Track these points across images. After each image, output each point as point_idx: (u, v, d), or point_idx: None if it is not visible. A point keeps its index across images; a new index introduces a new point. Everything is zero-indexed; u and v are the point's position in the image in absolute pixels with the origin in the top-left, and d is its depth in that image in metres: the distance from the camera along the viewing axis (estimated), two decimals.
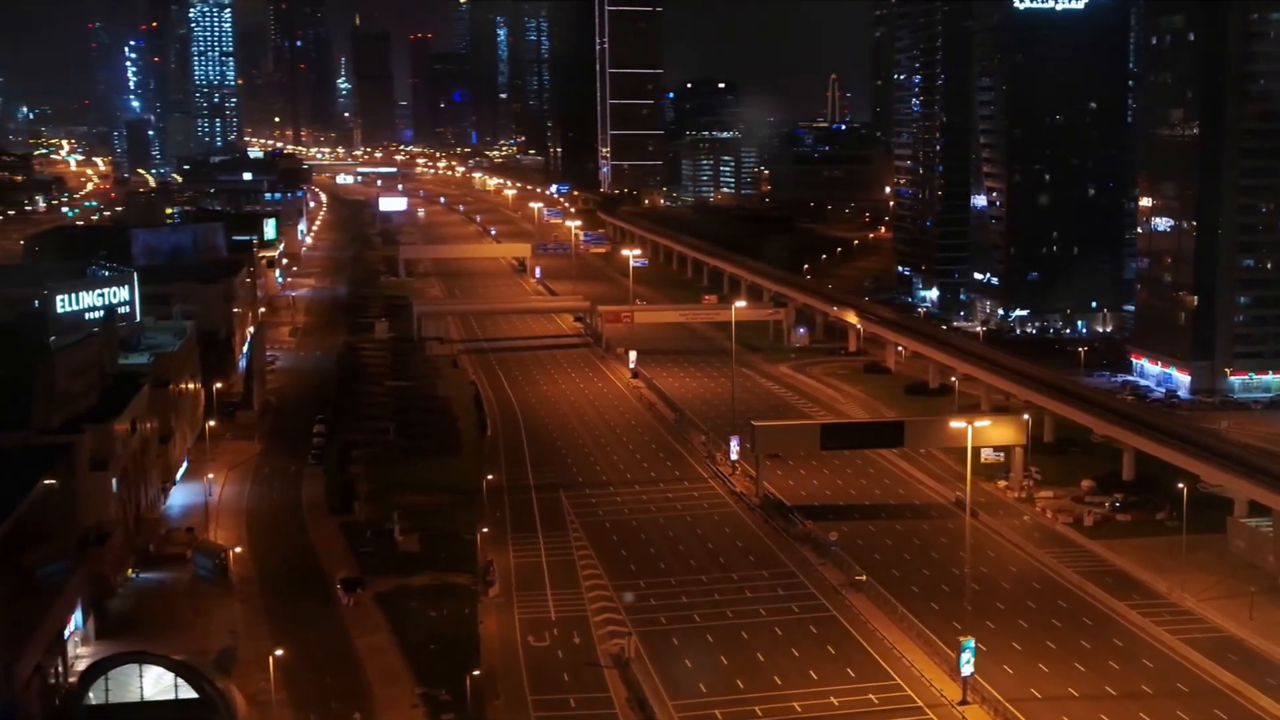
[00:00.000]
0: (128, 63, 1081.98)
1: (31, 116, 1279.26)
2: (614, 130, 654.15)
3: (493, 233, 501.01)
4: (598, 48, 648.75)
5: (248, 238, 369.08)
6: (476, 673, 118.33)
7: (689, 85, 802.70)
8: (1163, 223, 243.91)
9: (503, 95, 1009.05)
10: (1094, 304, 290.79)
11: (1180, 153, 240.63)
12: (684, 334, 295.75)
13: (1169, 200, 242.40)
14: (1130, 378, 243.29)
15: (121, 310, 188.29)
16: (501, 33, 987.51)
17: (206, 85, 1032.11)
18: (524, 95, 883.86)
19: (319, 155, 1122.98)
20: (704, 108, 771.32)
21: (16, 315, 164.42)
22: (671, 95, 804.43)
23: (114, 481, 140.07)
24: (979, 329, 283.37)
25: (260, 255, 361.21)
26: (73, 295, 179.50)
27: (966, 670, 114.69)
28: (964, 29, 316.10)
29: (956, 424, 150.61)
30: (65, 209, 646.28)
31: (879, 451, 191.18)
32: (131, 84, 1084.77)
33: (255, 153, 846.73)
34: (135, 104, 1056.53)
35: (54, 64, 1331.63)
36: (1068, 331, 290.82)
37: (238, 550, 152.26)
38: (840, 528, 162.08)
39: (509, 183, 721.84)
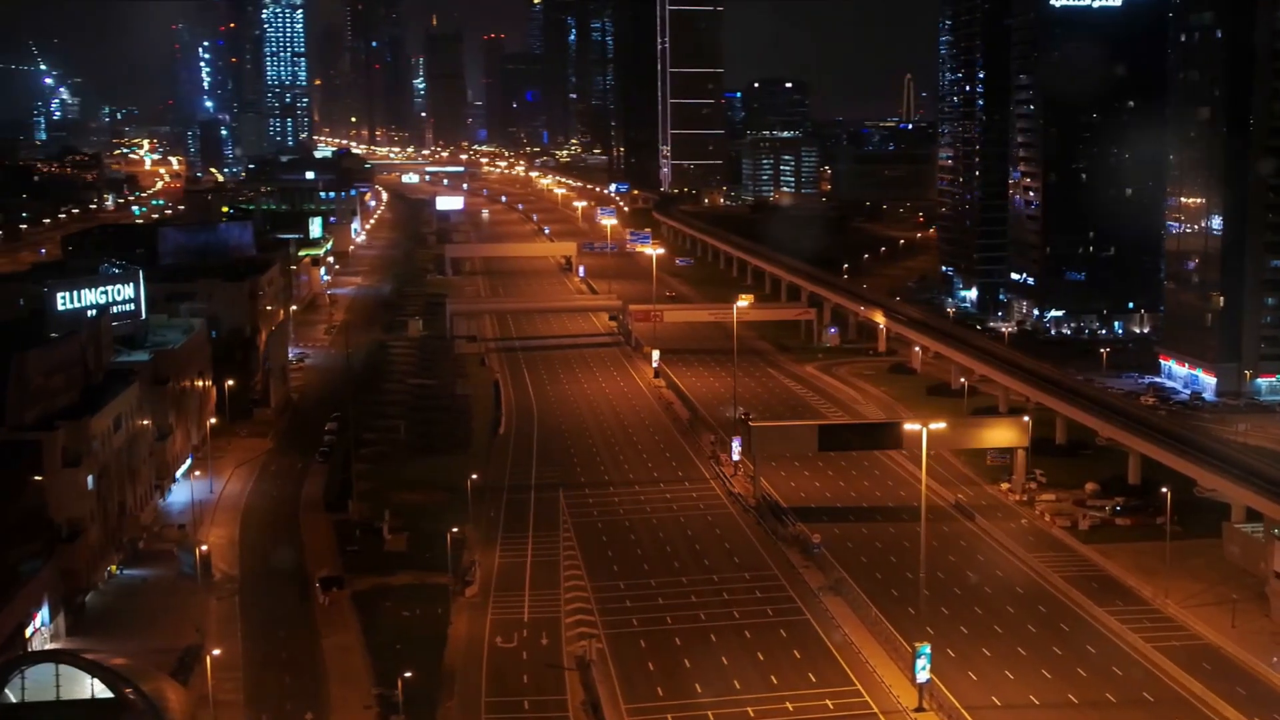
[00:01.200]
0: (202, 63, 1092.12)
1: (120, 116, 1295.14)
2: (674, 129, 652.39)
3: (546, 231, 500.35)
4: (659, 47, 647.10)
5: (293, 236, 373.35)
6: (409, 675, 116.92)
7: (756, 85, 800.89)
8: (1189, 223, 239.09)
9: (572, 95, 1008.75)
10: (1130, 305, 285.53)
11: (1207, 151, 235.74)
12: (717, 333, 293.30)
13: (1195, 200, 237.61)
14: (1157, 380, 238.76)
15: (126, 308, 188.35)
16: (574, 33, 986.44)
17: (279, 85, 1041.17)
18: (589, 95, 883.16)
19: (392, 154, 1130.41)
20: (773, 106, 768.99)
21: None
22: (739, 94, 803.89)
23: (89, 478, 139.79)
24: (1007, 330, 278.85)
25: (304, 253, 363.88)
26: (73, 293, 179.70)
27: (922, 677, 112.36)
28: (1003, 26, 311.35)
29: (911, 426, 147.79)
30: (135, 207, 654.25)
31: (887, 453, 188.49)
32: (206, 84, 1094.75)
33: (323, 152, 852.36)
34: (209, 104, 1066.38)
35: (141, 65, 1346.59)
36: (1103, 332, 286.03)
37: (204, 549, 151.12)
38: (832, 530, 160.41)
39: (558, 180, 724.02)
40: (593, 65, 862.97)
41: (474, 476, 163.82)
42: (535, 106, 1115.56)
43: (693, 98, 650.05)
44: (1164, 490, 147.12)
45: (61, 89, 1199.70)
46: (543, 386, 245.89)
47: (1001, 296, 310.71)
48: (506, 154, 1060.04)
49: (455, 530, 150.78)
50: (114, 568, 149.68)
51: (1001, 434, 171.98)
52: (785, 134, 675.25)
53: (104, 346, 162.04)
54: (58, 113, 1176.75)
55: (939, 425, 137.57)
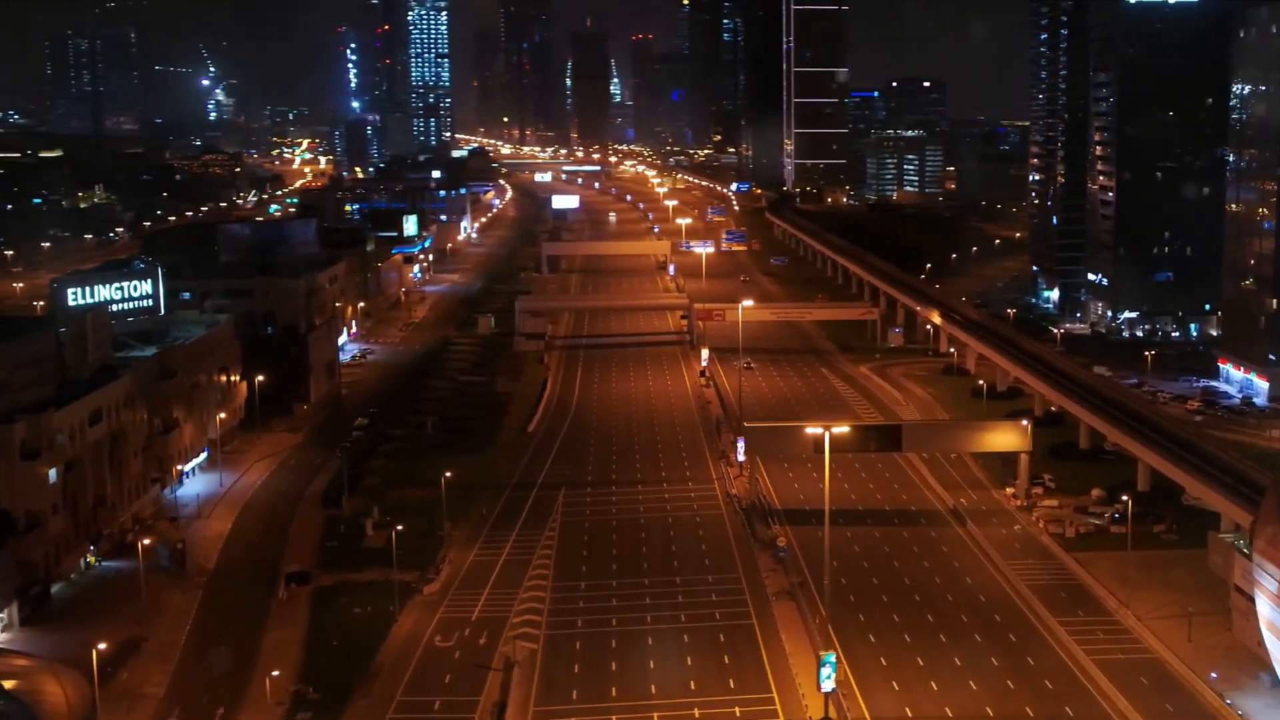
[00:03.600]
0: (349, 64, 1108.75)
1: (291, 116, 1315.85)
2: (798, 129, 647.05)
3: (656, 230, 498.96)
4: (784, 46, 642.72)
5: (390, 234, 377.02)
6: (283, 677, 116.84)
7: (895, 84, 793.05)
8: (1247, 223, 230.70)
9: (712, 95, 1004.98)
10: (1207, 307, 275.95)
11: (1264, 150, 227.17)
12: (786, 332, 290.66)
13: (1252, 200, 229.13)
14: (1213, 383, 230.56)
15: (144, 304, 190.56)
16: (726, 35, 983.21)
17: (422, 86, 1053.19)
18: (722, 95, 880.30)
19: (540, 154, 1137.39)
20: (910, 106, 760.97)
21: None
22: (876, 94, 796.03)
23: (51, 471, 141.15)
24: (1058, 332, 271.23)
25: (396, 251, 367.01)
26: (85, 289, 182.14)
27: (827, 686, 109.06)
28: (1084, 24, 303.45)
29: (812, 430, 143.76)
30: (272, 206, 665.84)
31: (904, 455, 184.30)
32: (353, 85, 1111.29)
33: (460, 152, 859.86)
34: (355, 104, 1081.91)
35: (306, 67, 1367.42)
36: (1176, 335, 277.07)
37: (179, 543, 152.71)
38: (815, 533, 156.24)
39: (684, 180, 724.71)
40: (725, 65, 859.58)
41: (447, 474, 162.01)
42: (681, 106, 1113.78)
43: (816, 97, 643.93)
44: (1125, 497, 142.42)
45: (218, 90, 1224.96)
46: (590, 384, 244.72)
47: (1081, 297, 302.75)
48: (646, 154, 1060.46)
49: (394, 528, 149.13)
50: (92, 559, 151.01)
51: (1003, 438, 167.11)
52: (909, 133, 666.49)
53: (96, 342, 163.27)
54: (213, 113, 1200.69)
55: (842, 429, 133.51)
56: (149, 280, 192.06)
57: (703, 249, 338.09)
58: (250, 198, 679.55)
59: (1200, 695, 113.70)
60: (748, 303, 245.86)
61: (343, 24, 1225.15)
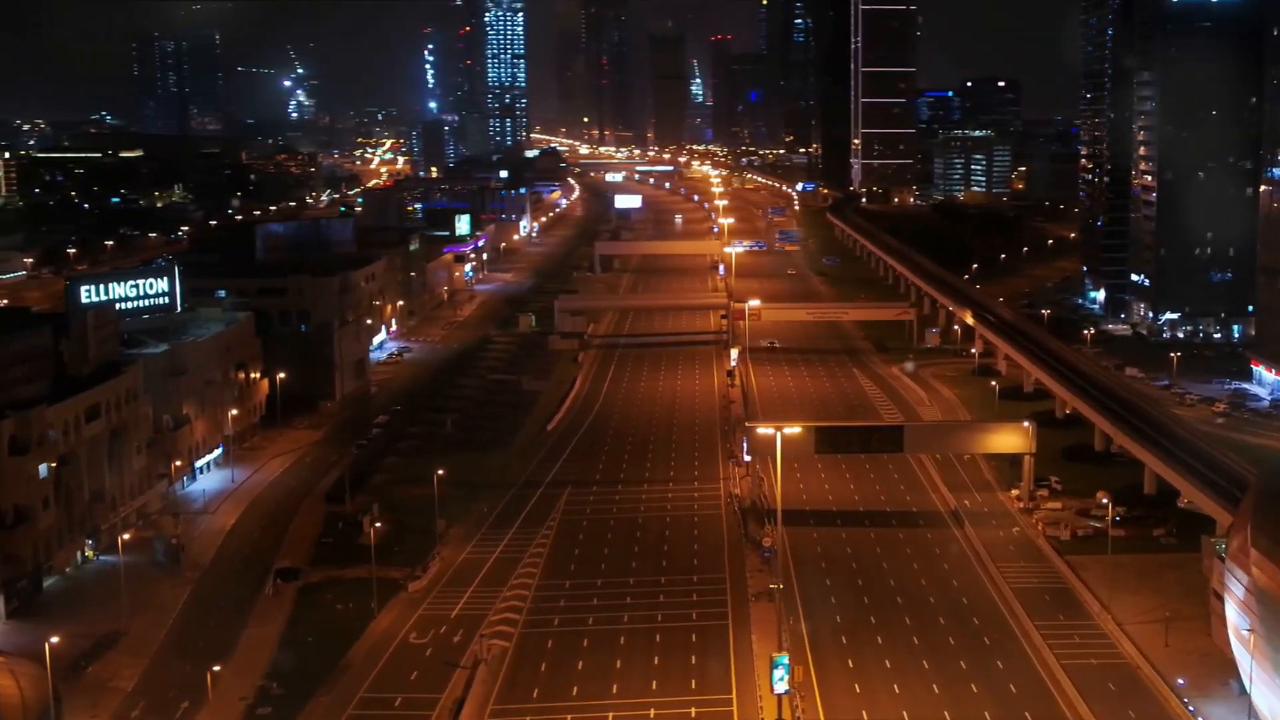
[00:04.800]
0: (427, 65, 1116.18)
1: (380, 117, 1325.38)
2: (865, 129, 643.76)
3: (715, 230, 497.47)
4: (851, 46, 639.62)
5: (443, 233, 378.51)
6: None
7: (970, 84, 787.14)
8: None
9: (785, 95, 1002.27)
10: (1251, 309, 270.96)
11: None
12: (826, 332, 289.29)
13: None
14: (1245, 385, 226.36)
15: (160, 302, 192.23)
16: (798, 35, 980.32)
17: (498, 86, 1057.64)
18: (795, 95, 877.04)
19: (617, 154, 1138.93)
20: (985, 105, 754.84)
21: None
22: (950, 93, 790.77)
23: (41, 466, 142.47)
24: (1088, 333, 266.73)
25: (447, 250, 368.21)
26: (99, 286, 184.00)
27: (780, 687, 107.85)
28: (1128, 22, 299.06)
29: (763, 430, 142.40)
30: (341, 206, 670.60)
31: (915, 456, 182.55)
32: (431, 85, 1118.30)
33: (533, 152, 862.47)
34: (432, 105, 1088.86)
35: (392, 67, 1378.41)
36: (1218, 336, 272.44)
37: (174, 539, 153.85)
38: (810, 533, 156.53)
39: (752, 180, 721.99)
40: (797, 65, 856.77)
41: (440, 473, 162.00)
42: (758, 107, 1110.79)
43: (884, 97, 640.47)
44: (1104, 500, 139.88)
45: (299, 91, 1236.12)
46: (619, 384, 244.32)
47: (1124, 298, 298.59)
48: (720, 154, 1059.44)
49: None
50: (90, 553, 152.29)
51: (1006, 440, 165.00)
52: (977, 133, 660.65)
53: (100, 339, 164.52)
54: (294, 114, 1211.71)
55: (794, 429, 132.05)
56: (165, 278, 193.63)
57: (734, 250, 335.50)
58: (323, 197, 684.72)
59: (1165, 701, 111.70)
60: (754, 302, 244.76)
61: (428, 25, 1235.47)
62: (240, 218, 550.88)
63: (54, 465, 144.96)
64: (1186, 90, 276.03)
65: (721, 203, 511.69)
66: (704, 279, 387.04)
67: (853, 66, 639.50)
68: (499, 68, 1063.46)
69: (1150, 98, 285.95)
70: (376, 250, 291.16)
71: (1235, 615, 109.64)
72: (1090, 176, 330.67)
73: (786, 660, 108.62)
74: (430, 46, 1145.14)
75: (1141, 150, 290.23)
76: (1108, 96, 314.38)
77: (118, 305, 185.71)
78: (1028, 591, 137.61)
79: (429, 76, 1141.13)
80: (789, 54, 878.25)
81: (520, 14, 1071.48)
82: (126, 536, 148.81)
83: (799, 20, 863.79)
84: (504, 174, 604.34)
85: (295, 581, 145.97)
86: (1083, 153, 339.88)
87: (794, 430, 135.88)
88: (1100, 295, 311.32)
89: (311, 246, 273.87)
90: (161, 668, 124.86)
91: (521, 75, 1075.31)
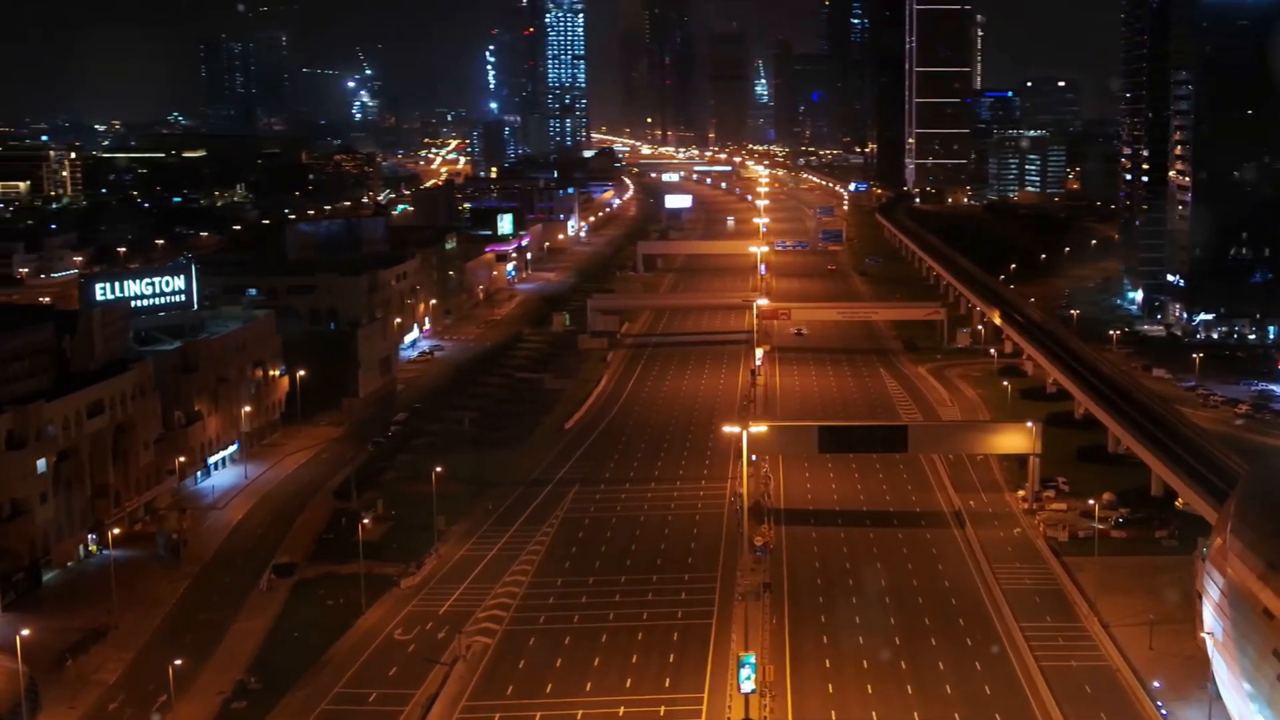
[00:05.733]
0: (488, 66, 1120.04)
1: (450, 118, 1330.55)
2: (919, 129, 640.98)
3: (763, 229, 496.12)
4: (906, 47, 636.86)
5: (484, 232, 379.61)
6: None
7: (1029, 83, 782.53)
8: None
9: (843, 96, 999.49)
10: None
11: None
12: (859, 331, 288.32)
13: None
14: (1272, 386, 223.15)
15: (176, 300, 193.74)
16: (855, 35, 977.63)
17: (558, 87, 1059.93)
18: (853, 95, 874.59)
19: (678, 154, 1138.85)
20: (1045, 105, 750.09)
21: None
22: (1010, 93, 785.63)
23: (39, 461, 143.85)
24: (1114, 334, 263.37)
25: (488, 249, 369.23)
26: (112, 284, 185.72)
27: (746, 687, 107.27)
28: (1166, 19, 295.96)
29: (730, 428, 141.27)
30: (399, 206, 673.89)
31: (927, 456, 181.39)
32: (492, 86, 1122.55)
33: (590, 152, 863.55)
34: (493, 105, 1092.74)
35: (457, 68, 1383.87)
36: (1253, 337, 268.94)
37: (175, 534, 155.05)
38: (809, 532, 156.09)
39: (807, 180, 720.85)
40: (854, 66, 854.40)
41: (438, 469, 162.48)
42: (820, 107, 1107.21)
43: (938, 97, 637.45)
44: (1091, 502, 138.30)
45: (363, 92, 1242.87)
46: (644, 383, 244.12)
47: (1160, 298, 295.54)
48: (779, 154, 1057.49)
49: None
50: (94, 547, 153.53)
51: (1010, 440, 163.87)
52: (1032, 133, 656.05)
53: (107, 336, 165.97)
54: (359, 114, 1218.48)
55: (760, 428, 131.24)
56: (181, 276, 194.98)
57: (762, 250, 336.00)
58: (380, 197, 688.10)
59: (1139, 704, 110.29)
60: (762, 301, 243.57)
61: (496, 27, 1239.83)
62: (293, 216, 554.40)
63: (53, 460, 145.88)
64: (1222, 89, 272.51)
65: (762, 203, 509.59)
66: (746, 278, 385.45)
67: (907, 66, 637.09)
68: (559, 68, 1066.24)
69: (1186, 97, 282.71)
70: (411, 249, 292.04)
71: (1210, 617, 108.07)
72: (1129, 176, 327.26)
73: (753, 660, 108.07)
74: (491, 48, 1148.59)
75: (1177, 149, 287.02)
76: (1146, 95, 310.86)
77: (133, 303, 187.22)
78: (1019, 593, 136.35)
79: (490, 77, 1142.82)
80: (847, 54, 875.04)
81: (580, 15, 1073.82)
82: (116, 531, 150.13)
83: (856, 20, 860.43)
84: (557, 174, 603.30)
85: (291, 577, 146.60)
86: (1123, 152, 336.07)
87: (760, 429, 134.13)
88: (1138, 296, 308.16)
89: (343, 245, 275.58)
90: (147, 661, 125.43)
91: (581, 76, 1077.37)
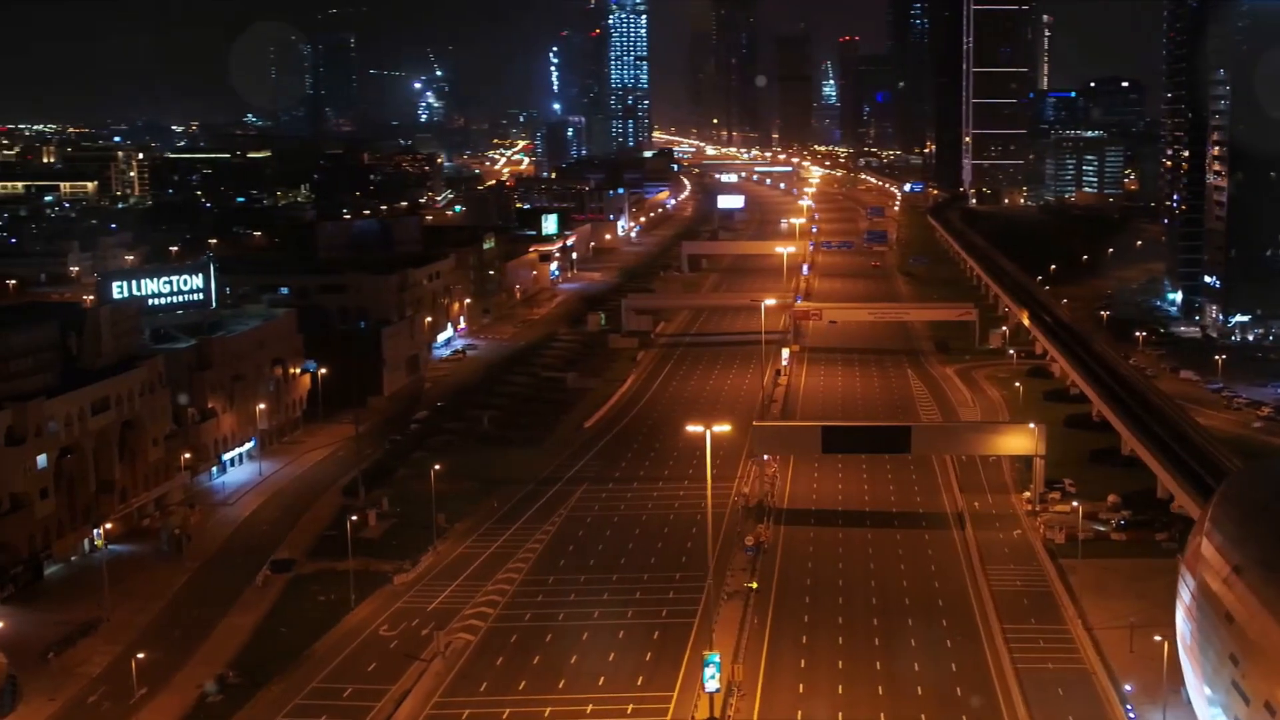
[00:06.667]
0: (551, 67, 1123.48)
1: (521, 119, 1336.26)
2: (976, 129, 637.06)
3: (814, 230, 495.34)
4: (964, 47, 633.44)
5: (528, 232, 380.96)
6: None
7: (1093, 84, 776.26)
8: None
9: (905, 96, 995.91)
10: None
11: None
12: (893, 332, 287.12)
13: None
14: None
15: (194, 298, 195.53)
16: (915, 36, 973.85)
17: (621, 88, 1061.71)
18: (911, 96, 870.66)
19: (742, 154, 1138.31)
20: (1108, 106, 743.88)
21: None
22: (1073, 94, 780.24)
23: (40, 457, 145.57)
24: (1141, 335, 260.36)
25: (532, 249, 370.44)
26: (130, 282, 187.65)
27: (711, 685, 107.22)
28: (1204, 20, 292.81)
29: (693, 428, 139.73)
30: (456, 206, 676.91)
31: (941, 458, 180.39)
32: (555, 87, 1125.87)
33: (650, 153, 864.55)
34: (556, 106, 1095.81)
35: (525, 70, 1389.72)
36: None
37: (178, 531, 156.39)
38: (807, 532, 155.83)
39: (865, 180, 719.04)
40: (914, 66, 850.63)
41: (437, 467, 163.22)
42: (885, 107, 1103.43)
43: (995, 97, 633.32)
44: (1075, 505, 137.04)
45: (428, 93, 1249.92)
46: (670, 382, 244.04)
47: (1197, 300, 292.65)
48: (841, 155, 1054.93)
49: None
50: (99, 542, 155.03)
51: (1014, 441, 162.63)
52: (1089, 133, 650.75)
53: (117, 333, 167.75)
54: (424, 115, 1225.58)
55: (723, 427, 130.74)
56: (200, 275, 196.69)
57: (785, 250, 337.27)
58: (438, 197, 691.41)
59: (1110, 707, 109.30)
60: (770, 301, 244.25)
61: (565, 29, 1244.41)
62: (349, 215, 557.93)
63: (54, 456, 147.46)
64: (1258, 90, 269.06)
65: (804, 202, 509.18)
66: (788, 279, 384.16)
67: (964, 66, 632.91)
68: (621, 69, 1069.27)
69: (1222, 97, 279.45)
70: (445, 249, 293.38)
71: (1180, 620, 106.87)
72: (1169, 177, 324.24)
73: (718, 659, 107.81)
74: (555, 49, 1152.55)
75: (1214, 150, 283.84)
76: (1185, 95, 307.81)
77: (150, 301, 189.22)
78: (1008, 594, 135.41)
79: (553, 79, 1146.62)
80: (909, 54, 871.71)
81: (643, 16, 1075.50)
82: (110, 526, 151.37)
83: (915, 22, 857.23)
84: (627, 174, 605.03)
85: (288, 573, 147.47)
86: (1165, 153, 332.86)
87: (724, 428, 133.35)
88: (1178, 297, 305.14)
89: (375, 245, 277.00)
90: (133, 655, 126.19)
91: (644, 77, 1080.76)
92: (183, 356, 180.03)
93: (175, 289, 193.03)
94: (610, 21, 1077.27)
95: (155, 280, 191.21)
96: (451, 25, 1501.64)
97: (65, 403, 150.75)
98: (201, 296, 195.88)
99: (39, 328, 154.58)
